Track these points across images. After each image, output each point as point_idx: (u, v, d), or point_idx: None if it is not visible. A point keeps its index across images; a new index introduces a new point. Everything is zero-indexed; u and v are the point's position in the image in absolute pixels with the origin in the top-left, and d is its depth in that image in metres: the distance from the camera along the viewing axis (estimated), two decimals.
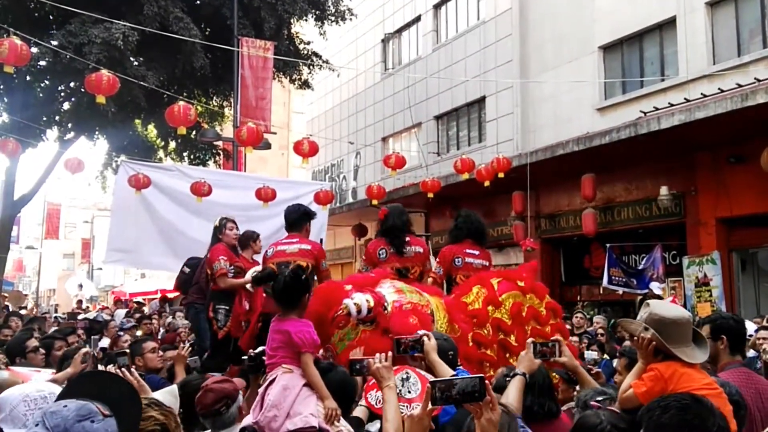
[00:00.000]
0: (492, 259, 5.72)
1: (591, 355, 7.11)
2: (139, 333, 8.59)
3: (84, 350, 4.40)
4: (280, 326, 3.15)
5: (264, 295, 5.40)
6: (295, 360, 3.07)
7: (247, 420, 3.04)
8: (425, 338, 3.01)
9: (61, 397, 1.91)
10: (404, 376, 2.74)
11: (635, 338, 2.88)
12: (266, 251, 5.53)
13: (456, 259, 5.32)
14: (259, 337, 4.82)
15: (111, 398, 1.81)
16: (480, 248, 5.48)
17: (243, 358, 3.59)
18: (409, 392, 2.69)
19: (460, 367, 3.48)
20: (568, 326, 8.07)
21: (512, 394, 2.88)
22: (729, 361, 3.49)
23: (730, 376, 3.19)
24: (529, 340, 3.35)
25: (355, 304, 3.49)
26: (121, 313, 13.41)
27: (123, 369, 3.23)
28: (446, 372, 2.87)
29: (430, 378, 2.77)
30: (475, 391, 1.96)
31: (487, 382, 2.05)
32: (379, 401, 2.66)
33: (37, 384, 2.48)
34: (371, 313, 3.50)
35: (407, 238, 5.22)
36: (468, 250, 5.37)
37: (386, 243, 5.19)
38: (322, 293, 3.60)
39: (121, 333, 7.75)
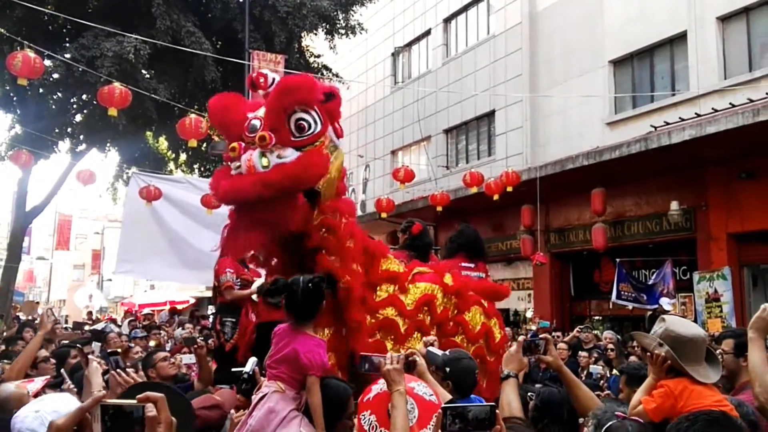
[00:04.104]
0: (489, 271, 5.71)
1: (596, 369, 7.05)
2: (152, 344, 8.58)
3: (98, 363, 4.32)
4: (289, 340, 2.96)
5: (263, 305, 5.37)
6: (293, 381, 2.90)
7: None
8: (416, 358, 2.86)
9: None
10: None
11: (648, 353, 2.85)
12: None
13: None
14: (255, 348, 4.78)
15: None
16: (476, 261, 5.47)
17: (236, 370, 3.43)
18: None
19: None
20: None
21: (512, 398, 2.83)
22: (749, 380, 3.42)
23: (749, 397, 3.11)
24: (521, 337, 3.27)
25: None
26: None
27: (118, 371, 3.10)
28: (444, 396, 2.78)
29: (432, 400, 2.61)
30: (486, 419, 1.96)
31: (498, 411, 2.02)
32: (373, 427, 2.41)
33: (53, 403, 2.33)
34: None
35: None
36: (462, 264, 5.37)
37: (408, 257, 5.22)
38: (220, 103, 3.67)
39: (132, 345, 7.72)
